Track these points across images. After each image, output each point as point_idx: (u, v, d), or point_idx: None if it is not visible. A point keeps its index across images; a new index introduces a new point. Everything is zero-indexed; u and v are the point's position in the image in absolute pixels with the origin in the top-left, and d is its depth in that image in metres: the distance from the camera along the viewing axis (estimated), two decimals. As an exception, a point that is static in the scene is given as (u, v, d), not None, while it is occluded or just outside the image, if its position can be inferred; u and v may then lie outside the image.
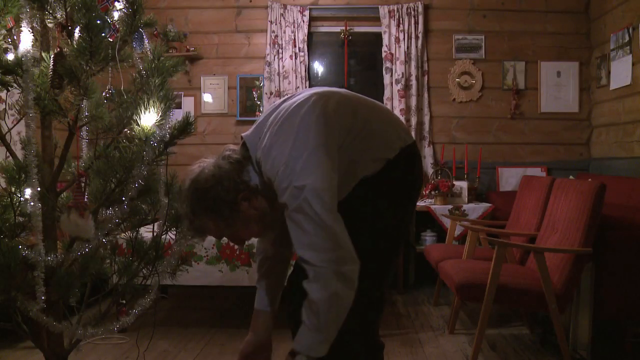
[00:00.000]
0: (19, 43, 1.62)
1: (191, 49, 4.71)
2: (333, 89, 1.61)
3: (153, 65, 1.81)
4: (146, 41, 1.87)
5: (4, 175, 1.67)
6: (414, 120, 4.58)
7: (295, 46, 4.62)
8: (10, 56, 1.69)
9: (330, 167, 1.38)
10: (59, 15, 1.69)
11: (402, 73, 4.56)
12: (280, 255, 1.75)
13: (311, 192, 1.32)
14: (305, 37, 4.63)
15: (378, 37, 4.69)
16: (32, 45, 1.61)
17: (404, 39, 4.57)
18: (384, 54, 4.62)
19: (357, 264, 1.35)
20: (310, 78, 4.78)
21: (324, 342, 1.36)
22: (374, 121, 1.56)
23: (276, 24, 4.64)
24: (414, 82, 4.57)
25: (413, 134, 4.57)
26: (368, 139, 1.51)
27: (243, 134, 1.57)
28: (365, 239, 1.49)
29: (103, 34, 1.65)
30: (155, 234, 1.94)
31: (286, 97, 1.59)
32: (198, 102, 4.85)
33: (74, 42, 1.66)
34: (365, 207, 1.55)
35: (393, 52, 4.59)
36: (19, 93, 1.63)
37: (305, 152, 1.36)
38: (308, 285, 1.34)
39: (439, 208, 4.16)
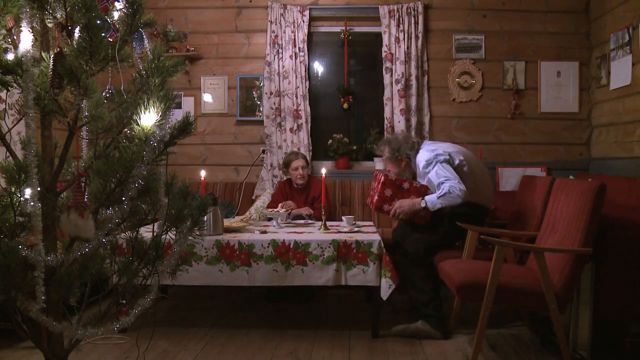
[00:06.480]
0: (19, 43, 1.62)
1: (191, 49, 4.72)
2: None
3: (153, 65, 1.81)
4: (146, 41, 1.87)
5: (4, 175, 1.67)
6: (414, 120, 4.58)
7: (295, 46, 4.62)
8: (10, 56, 1.69)
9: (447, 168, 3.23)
10: (59, 15, 1.69)
11: (402, 73, 4.56)
12: None
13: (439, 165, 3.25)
14: (305, 37, 4.63)
15: (378, 37, 4.69)
16: (32, 45, 1.61)
17: (404, 39, 4.57)
18: (384, 54, 4.62)
19: (457, 189, 3.11)
20: (310, 78, 4.78)
21: (436, 204, 3.15)
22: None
23: (276, 24, 4.64)
24: (414, 82, 4.57)
25: (413, 134, 4.57)
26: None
27: (425, 142, 3.53)
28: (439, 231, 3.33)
29: (103, 34, 1.65)
30: (155, 234, 1.94)
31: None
32: (198, 102, 4.86)
33: (74, 42, 1.66)
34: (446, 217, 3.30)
35: (393, 52, 4.59)
36: (19, 93, 1.63)
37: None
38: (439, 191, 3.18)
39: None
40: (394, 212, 3.27)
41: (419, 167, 3.32)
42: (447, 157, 3.22)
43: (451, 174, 3.13)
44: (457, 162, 3.25)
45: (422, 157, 3.28)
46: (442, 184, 3.12)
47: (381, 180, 3.33)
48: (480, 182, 3.34)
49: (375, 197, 3.35)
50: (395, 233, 3.49)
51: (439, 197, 3.12)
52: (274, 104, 4.66)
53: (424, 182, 3.32)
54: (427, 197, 3.18)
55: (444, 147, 3.32)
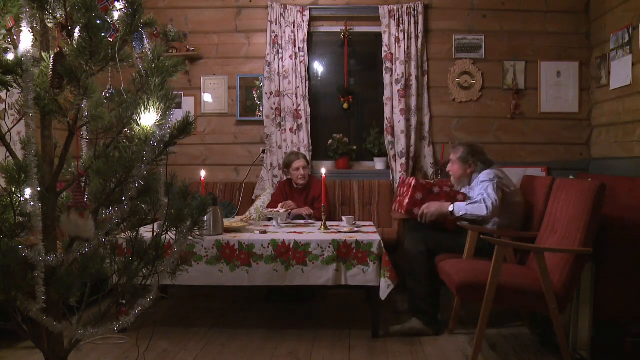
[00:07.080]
0: (19, 43, 1.62)
1: (191, 49, 4.72)
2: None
3: (153, 65, 1.81)
4: (146, 41, 1.87)
5: (4, 175, 1.67)
6: (414, 120, 4.58)
7: (295, 46, 4.61)
8: (10, 56, 1.69)
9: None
10: (59, 15, 1.69)
11: (402, 73, 4.56)
12: None
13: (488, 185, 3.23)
14: (305, 37, 4.63)
15: (378, 37, 4.69)
16: (32, 45, 1.61)
17: (404, 39, 4.57)
18: (384, 54, 4.62)
19: (490, 203, 3.13)
20: (310, 78, 4.78)
21: (462, 210, 3.20)
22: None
23: (276, 24, 4.64)
24: (414, 82, 4.57)
25: (413, 134, 4.57)
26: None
27: (496, 166, 3.45)
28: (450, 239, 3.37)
29: (103, 34, 1.65)
30: (155, 234, 1.94)
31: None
32: (198, 102, 4.86)
33: (74, 42, 1.66)
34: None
35: (393, 52, 4.59)
36: (19, 93, 1.63)
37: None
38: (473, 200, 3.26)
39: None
40: (421, 213, 3.31)
41: (478, 179, 3.32)
42: (509, 190, 3.25)
43: (495, 193, 3.14)
44: (517, 198, 3.30)
45: (487, 174, 3.28)
46: (479, 195, 3.18)
47: (412, 184, 3.37)
48: (517, 224, 3.35)
49: (406, 200, 3.37)
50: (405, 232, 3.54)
51: (468, 204, 3.19)
52: (274, 104, 4.66)
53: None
54: (456, 203, 3.24)
55: (511, 182, 3.35)
